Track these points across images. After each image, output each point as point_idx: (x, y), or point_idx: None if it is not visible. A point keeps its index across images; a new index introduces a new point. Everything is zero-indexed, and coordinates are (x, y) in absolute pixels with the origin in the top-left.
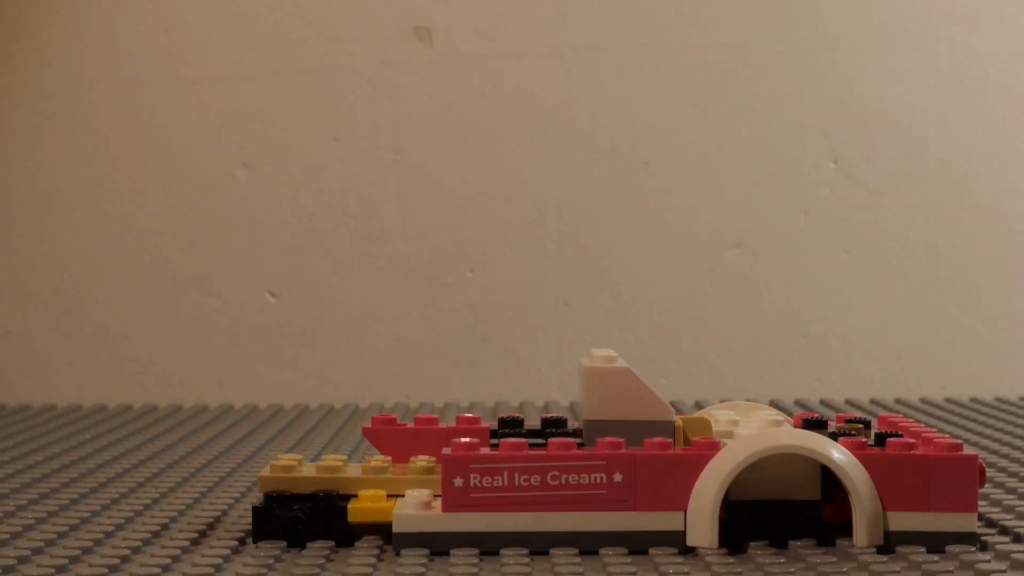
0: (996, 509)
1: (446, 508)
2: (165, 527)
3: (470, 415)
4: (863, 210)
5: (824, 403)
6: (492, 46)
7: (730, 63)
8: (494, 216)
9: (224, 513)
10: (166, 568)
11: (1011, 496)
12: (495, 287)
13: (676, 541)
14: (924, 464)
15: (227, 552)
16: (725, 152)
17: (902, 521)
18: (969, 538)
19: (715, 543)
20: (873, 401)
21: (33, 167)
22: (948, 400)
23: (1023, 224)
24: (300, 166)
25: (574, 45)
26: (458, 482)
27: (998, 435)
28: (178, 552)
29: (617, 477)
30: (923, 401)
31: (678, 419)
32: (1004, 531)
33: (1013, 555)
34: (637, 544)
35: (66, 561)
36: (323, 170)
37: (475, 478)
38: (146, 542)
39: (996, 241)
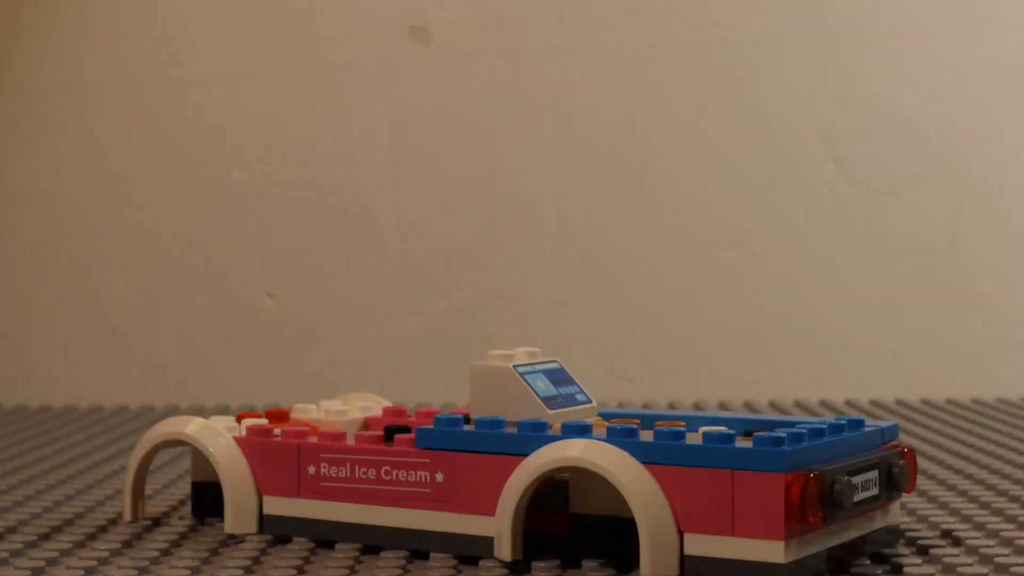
0: (984, 512)
1: (302, 495)
2: (157, 523)
3: (396, 406)
4: (863, 210)
5: (824, 404)
6: (489, 45)
7: (729, 62)
8: (492, 216)
9: None
10: (149, 566)
11: (1001, 499)
12: (493, 287)
13: (489, 548)
14: (726, 479)
15: (207, 553)
16: (724, 152)
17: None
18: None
19: (515, 556)
20: (873, 402)
21: (31, 168)
22: (949, 401)
23: None
24: (297, 166)
25: (572, 44)
26: (311, 470)
27: (999, 437)
28: (166, 545)
29: (439, 477)
30: (923, 402)
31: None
32: (991, 535)
33: (996, 559)
34: (454, 547)
35: (43, 563)
36: (320, 170)
37: (324, 467)
38: (126, 544)
39: (997, 241)
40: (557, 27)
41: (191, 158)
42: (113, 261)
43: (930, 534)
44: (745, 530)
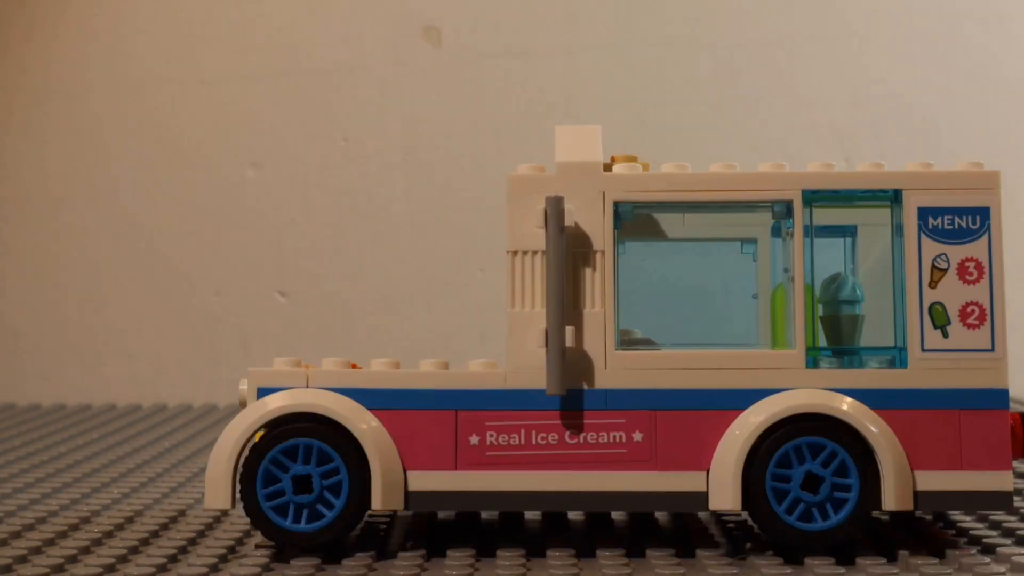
0: (1001, 513)
1: (461, 467)
2: (173, 521)
3: None
4: None
5: None
6: (500, 45)
7: (740, 62)
8: (503, 215)
9: (225, 513)
10: (161, 568)
11: (1016, 498)
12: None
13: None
14: (951, 419)
15: (223, 552)
16: (735, 151)
17: (930, 481)
18: (1002, 498)
19: (739, 506)
20: None
21: (42, 167)
22: None
23: None
24: (309, 166)
25: (583, 44)
26: (474, 440)
27: None
28: (183, 544)
29: (637, 436)
30: None
31: None
32: (1007, 533)
33: (1014, 558)
34: (658, 506)
35: (62, 560)
36: (332, 170)
37: (491, 436)
38: (143, 542)
39: (1007, 241)
40: (568, 26)
41: (203, 157)
42: (125, 260)
43: (947, 533)
44: None
